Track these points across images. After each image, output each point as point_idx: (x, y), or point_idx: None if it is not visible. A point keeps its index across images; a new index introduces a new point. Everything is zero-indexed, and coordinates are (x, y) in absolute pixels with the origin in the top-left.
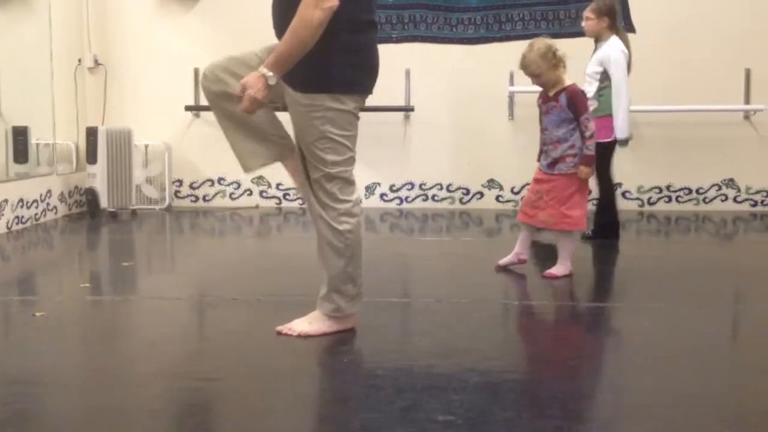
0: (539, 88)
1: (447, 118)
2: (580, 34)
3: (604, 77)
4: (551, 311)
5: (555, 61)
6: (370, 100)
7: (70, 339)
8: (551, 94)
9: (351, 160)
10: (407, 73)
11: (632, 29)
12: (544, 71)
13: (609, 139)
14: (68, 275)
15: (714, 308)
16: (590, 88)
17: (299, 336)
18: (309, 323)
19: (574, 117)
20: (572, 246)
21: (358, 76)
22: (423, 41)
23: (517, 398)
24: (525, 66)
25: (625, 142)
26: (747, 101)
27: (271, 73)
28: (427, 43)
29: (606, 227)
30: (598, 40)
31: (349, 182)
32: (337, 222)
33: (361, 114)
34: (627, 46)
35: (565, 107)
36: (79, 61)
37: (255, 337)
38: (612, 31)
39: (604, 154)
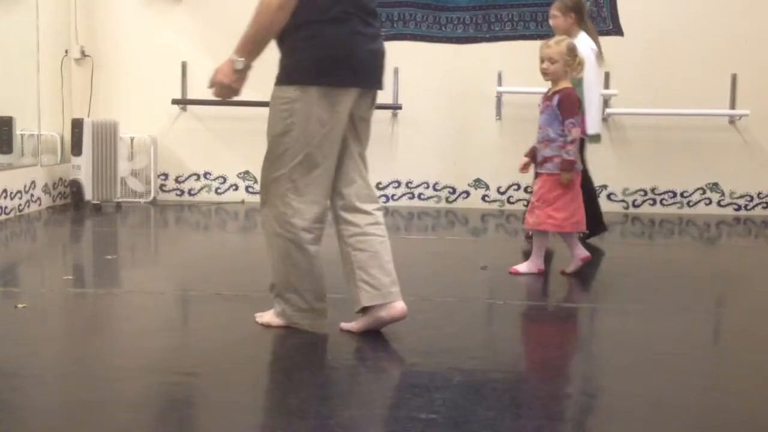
0: (527, 89)
1: (435, 117)
2: None
3: None
4: (535, 311)
5: (574, 61)
6: None
7: (52, 332)
8: (549, 93)
9: (317, 156)
10: (396, 71)
11: (620, 32)
12: (561, 61)
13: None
14: (51, 267)
15: (695, 311)
16: None
17: (261, 325)
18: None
19: (562, 119)
20: (545, 244)
21: (328, 69)
22: (412, 39)
23: (500, 398)
24: (547, 46)
25: (596, 138)
26: (732, 106)
27: (241, 58)
28: (416, 41)
29: (590, 224)
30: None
31: (310, 187)
32: (280, 226)
33: None
34: (595, 40)
35: (555, 108)
36: (66, 52)
37: (238, 332)
38: (580, 27)
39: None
